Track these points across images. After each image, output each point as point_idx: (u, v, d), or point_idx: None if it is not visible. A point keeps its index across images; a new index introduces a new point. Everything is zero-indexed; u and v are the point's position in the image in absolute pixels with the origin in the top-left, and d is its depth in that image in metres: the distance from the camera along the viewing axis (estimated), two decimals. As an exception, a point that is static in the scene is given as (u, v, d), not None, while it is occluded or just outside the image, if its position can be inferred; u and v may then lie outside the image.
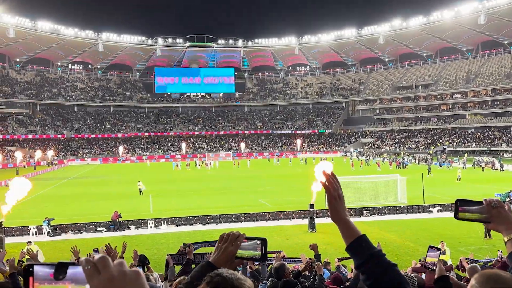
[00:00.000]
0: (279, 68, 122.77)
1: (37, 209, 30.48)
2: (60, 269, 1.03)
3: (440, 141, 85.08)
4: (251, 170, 61.75)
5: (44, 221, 23.94)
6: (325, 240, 19.80)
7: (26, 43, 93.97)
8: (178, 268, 8.12)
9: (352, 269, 9.16)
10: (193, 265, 7.03)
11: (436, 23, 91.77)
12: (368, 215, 27.09)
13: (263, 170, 60.47)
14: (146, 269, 10.20)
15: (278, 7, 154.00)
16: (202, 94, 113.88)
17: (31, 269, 1.03)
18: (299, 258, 11.10)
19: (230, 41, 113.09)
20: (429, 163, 59.91)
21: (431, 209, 27.80)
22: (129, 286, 1.05)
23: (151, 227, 24.89)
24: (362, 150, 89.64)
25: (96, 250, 7.82)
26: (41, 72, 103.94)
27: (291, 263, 11.55)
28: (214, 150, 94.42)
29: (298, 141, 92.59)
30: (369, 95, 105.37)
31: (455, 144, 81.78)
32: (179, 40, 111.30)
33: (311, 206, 24.07)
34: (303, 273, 7.96)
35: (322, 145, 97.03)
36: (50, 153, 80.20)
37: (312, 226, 23.61)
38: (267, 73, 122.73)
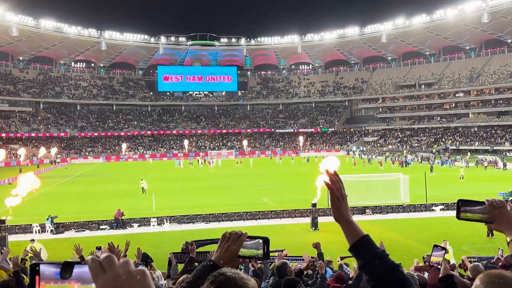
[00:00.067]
0: (281, 67, 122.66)
1: (40, 207, 30.57)
2: (66, 269, 1.03)
3: (443, 140, 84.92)
4: (254, 168, 61.77)
5: (47, 219, 24.02)
6: (327, 238, 19.79)
7: (29, 42, 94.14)
8: (180, 267, 8.14)
9: (355, 268, 9.17)
10: (196, 264, 7.06)
11: (439, 22, 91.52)
12: (370, 214, 27.09)
13: (266, 169, 60.48)
14: (149, 267, 10.23)
15: (280, 5, 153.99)
16: (204, 92, 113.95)
17: (37, 268, 1.03)
18: (302, 257, 11.11)
19: (233, 40, 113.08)
20: (432, 161, 59.84)
21: (433, 208, 27.77)
22: (135, 286, 1.04)
23: (153, 225, 24.95)
24: (364, 148, 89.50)
25: (99, 248, 7.85)
26: (44, 71, 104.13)
27: (294, 262, 11.57)
28: (216, 148, 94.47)
29: (301, 138, 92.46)
30: (372, 94, 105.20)
31: (458, 143, 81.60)
32: (182, 39, 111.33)
33: (314, 205, 24.09)
34: (305, 272, 7.98)
35: (324, 144, 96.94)
36: (54, 150, 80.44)
37: (314, 224, 23.62)
38: (269, 72, 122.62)
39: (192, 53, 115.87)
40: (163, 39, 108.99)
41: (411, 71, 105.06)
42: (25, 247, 14.39)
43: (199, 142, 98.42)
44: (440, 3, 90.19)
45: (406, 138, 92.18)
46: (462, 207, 2.17)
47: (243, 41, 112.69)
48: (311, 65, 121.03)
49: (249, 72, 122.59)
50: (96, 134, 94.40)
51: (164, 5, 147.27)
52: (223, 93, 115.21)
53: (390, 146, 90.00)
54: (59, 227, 24.16)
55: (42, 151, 76.71)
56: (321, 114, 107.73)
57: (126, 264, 1.07)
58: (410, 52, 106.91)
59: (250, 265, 8.25)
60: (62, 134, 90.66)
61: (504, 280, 1.67)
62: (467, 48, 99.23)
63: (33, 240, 17.42)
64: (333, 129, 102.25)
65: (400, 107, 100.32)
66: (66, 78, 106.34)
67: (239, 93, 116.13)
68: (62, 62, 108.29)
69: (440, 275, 3.81)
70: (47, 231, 23.73)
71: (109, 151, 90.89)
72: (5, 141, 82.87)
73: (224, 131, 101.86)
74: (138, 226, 25.07)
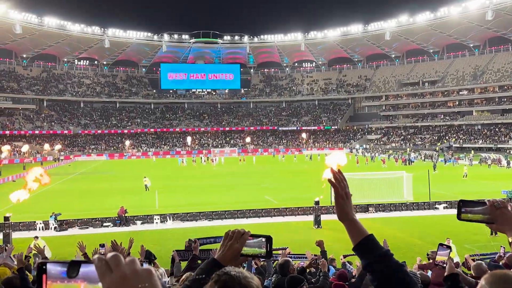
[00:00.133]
0: (285, 64, 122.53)
1: (43, 204, 30.67)
2: (73, 267, 1.03)
3: (447, 137, 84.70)
4: (257, 166, 61.79)
5: (50, 216, 24.10)
6: (330, 236, 19.77)
7: (33, 39, 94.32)
8: (183, 264, 8.16)
9: (357, 266, 9.17)
10: (199, 261, 7.08)
11: (443, 19, 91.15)
12: (373, 212, 27.08)
13: (268, 166, 60.49)
14: (152, 265, 10.26)
15: (284, 3, 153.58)
16: (207, 90, 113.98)
17: (44, 267, 1.03)
18: (304, 254, 11.12)
19: (236, 37, 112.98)
20: (435, 159, 59.71)
21: (437, 206, 27.73)
22: (142, 285, 1.04)
23: (157, 222, 25.01)
24: (367, 146, 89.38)
25: (102, 246, 7.87)
26: (48, 68, 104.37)
27: (297, 260, 11.58)
28: (219, 146, 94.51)
29: (304, 135, 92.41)
30: (375, 92, 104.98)
31: (461, 141, 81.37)
32: (185, 36, 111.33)
33: (317, 202, 24.10)
34: (308, 270, 7.98)
35: (327, 142, 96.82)
36: (58, 147, 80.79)
37: (317, 222, 23.63)
38: (272, 69, 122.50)
39: (195, 50, 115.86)
40: (166, 36, 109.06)
41: (414, 68, 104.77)
42: (29, 244, 14.47)
43: (202, 139, 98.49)
44: (444, 1, 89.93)
45: (409, 136, 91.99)
46: (463, 207, 2.16)
47: (246, 38, 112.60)
48: (314, 62, 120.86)
49: (252, 70, 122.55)
50: (99, 131, 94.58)
51: (167, 3, 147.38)
52: (226, 91, 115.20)
53: (393, 144, 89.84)
54: (63, 224, 24.24)
55: (47, 147, 77.07)
56: (324, 112, 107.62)
57: (132, 263, 1.07)
58: (413, 50, 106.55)
59: (253, 262, 8.27)
60: (65, 131, 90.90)
61: (509, 280, 1.67)
62: (471, 45, 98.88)
63: (37, 237, 17.50)
64: (336, 127, 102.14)
65: (404, 105, 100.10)
66: (69, 75, 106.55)
67: (242, 90, 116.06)
68: (65, 59, 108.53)
69: (446, 274, 3.81)
70: (51, 228, 23.81)
71: (112, 148, 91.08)
72: (8, 138, 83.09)
73: (227, 128, 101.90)
74: (141, 223, 25.14)
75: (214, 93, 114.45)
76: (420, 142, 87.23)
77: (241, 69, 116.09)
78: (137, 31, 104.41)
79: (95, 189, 39.99)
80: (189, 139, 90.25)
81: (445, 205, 27.54)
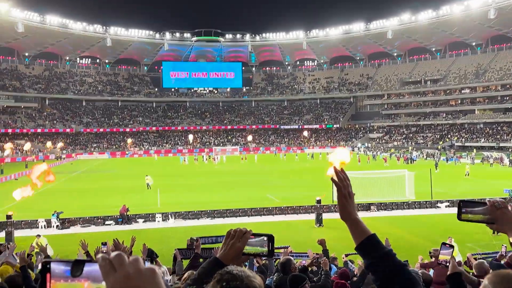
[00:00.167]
0: (286, 63, 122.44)
1: (46, 202, 30.73)
2: (77, 267, 1.03)
3: (449, 136, 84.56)
4: (259, 164, 61.80)
5: (53, 215, 24.15)
6: (332, 235, 19.75)
7: (35, 38, 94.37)
8: (185, 263, 8.18)
9: (359, 264, 9.17)
10: (201, 260, 7.09)
11: (445, 18, 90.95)
12: (375, 211, 27.08)
13: (270, 165, 60.47)
14: (154, 263, 10.28)
15: (285, 1, 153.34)
16: (209, 88, 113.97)
17: (48, 266, 1.03)
18: (306, 253, 11.12)
19: (238, 36, 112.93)
20: (437, 158, 59.63)
21: (439, 204, 27.71)
22: (145, 284, 1.04)
23: (158, 221, 25.05)
24: (369, 145, 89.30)
25: (104, 244, 7.89)
26: (50, 67, 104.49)
27: (298, 258, 11.58)
28: (221, 144, 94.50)
29: (305, 133, 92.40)
30: (377, 90, 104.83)
31: (463, 139, 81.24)
32: (187, 35, 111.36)
33: (318, 201, 24.10)
34: (309, 269, 7.98)
35: (329, 140, 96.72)
36: (60, 145, 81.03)
37: (319, 221, 23.64)
38: (274, 68, 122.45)
39: (197, 49, 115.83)
40: (168, 35, 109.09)
41: (416, 67, 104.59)
42: (31, 242, 14.50)
43: (204, 138, 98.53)
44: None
45: (411, 135, 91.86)
46: (463, 208, 2.16)
47: (248, 37, 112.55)
48: (316, 61, 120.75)
49: (254, 68, 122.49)
50: (101, 130, 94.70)
51: (169, 1, 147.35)
52: (228, 89, 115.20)
53: (395, 143, 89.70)
54: (65, 223, 24.28)
55: (49, 143, 77.39)
56: (326, 111, 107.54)
57: (136, 262, 1.07)
58: (415, 48, 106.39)
59: (255, 261, 8.28)
60: (67, 129, 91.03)
61: None
62: (473, 44, 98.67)
63: (39, 236, 17.54)
64: (338, 126, 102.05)
65: (406, 104, 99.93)
66: (71, 74, 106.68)
67: (244, 89, 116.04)
68: (67, 58, 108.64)
69: (449, 273, 3.81)
70: (53, 227, 23.86)
71: (114, 147, 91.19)
72: (11, 136, 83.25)
73: (228, 127, 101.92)
74: (143, 221, 25.18)
75: (216, 92, 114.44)
76: (422, 141, 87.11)
77: (243, 68, 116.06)
78: (139, 29, 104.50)
79: (97, 187, 40.05)
80: (190, 136, 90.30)
81: (447, 203, 27.52)
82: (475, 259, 9.14)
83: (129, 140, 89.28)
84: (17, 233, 21.64)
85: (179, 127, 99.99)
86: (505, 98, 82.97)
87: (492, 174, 44.77)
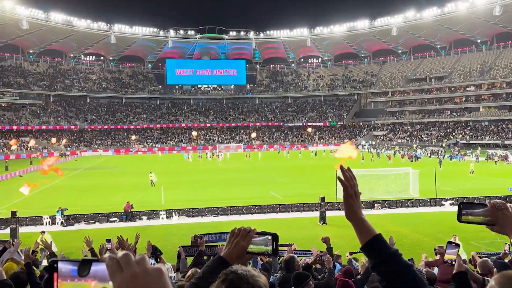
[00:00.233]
0: (290, 60, 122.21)
1: (50, 199, 30.86)
2: (84, 266, 1.03)
3: (453, 134, 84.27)
4: (262, 162, 61.81)
5: (57, 211, 24.26)
6: (336, 233, 19.76)
7: (39, 35, 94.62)
8: (189, 260, 8.19)
9: (363, 263, 9.16)
10: (205, 257, 7.10)
11: (450, 15, 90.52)
12: (379, 208, 27.02)
13: (274, 162, 60.48)
14: (158, 260, 10.31)
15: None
16: (213, 86, 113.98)
17: (55, 265, 1.03)
18: (310, 251, 11.12)
19: (242, 33, 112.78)
20: (441, 155, 59.43)
21: (443, 202, 27.64)
22: (152, 284, 1.04)
23: (162, 218, 25.10)
24: (373, 143, 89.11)
25: (108, 241, 7.90)
26: (54, 64, 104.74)
27: (302, 256, 11.58)
28: (225, 142, 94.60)
29: (309, 129, 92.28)
30: (382, 87, 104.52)
31: (468, 137, 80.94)
32: (191, 32, 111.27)
33: (322, 198, 24.08)
34: (313, 266, 7.98)
35: (333, 138, 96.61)
36: (64, 141, 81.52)
37: (323, 218, 23.62)
38: (278, 65, 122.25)
39: (201, 46, 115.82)
40: (172, 32, 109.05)
41: (421, 64, 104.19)
42: (36, 239, 14.55)
43: (207, 135, 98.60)
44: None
45: (416, 132, 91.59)
46: (463, 209, 2.14)
47: (252, 34, 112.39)
48: (320, 58, 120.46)
49: (257, 66, 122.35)
50: (105, 127, 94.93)
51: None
52: (232, 87, 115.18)
53: (399, 140, 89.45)
54: (69, 219, 24.38)
55: (54, 140, 77.84)
56: (330, 108, 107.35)
57: (143, 261, 1.07)
58: (420, 45, 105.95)
59: (259, 259, 8.29)
60: (72, 127, 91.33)
61: None
62: (479, 41, 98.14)
63: (43, 232, 17.60)
64: (342, 123, 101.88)
65: (410, 101, 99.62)
66: (76, 71, 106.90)
67: (248, 86, 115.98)
68: (72, 55, 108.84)
69: (454, 271, 3.80)
70: (57, 223, 23.97)
71: (118, 144, 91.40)
72: (15, 133, 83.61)
73: (232, 124, 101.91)
74: (147, 218, 25.24)
75: (219, 89, 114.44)
76: (426, 139, 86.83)
77: (247, 65, 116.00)
78: (143, 26, 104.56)
79: (101, 184, 40.17)
80: (194, 133, 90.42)
81: (451, 201, 27.44)
82: (480, 257, 9.11)
83: (133, 138, 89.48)
84: (22, 230, 21.75)
85: (183, 124, 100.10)
86: (510, 96, 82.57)
87: (496, 172, 44.60)
